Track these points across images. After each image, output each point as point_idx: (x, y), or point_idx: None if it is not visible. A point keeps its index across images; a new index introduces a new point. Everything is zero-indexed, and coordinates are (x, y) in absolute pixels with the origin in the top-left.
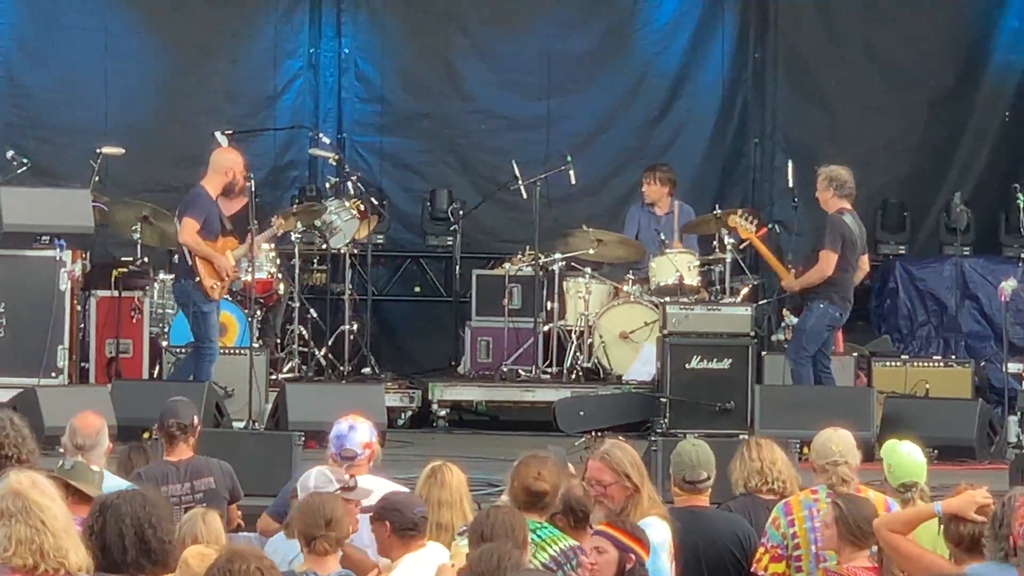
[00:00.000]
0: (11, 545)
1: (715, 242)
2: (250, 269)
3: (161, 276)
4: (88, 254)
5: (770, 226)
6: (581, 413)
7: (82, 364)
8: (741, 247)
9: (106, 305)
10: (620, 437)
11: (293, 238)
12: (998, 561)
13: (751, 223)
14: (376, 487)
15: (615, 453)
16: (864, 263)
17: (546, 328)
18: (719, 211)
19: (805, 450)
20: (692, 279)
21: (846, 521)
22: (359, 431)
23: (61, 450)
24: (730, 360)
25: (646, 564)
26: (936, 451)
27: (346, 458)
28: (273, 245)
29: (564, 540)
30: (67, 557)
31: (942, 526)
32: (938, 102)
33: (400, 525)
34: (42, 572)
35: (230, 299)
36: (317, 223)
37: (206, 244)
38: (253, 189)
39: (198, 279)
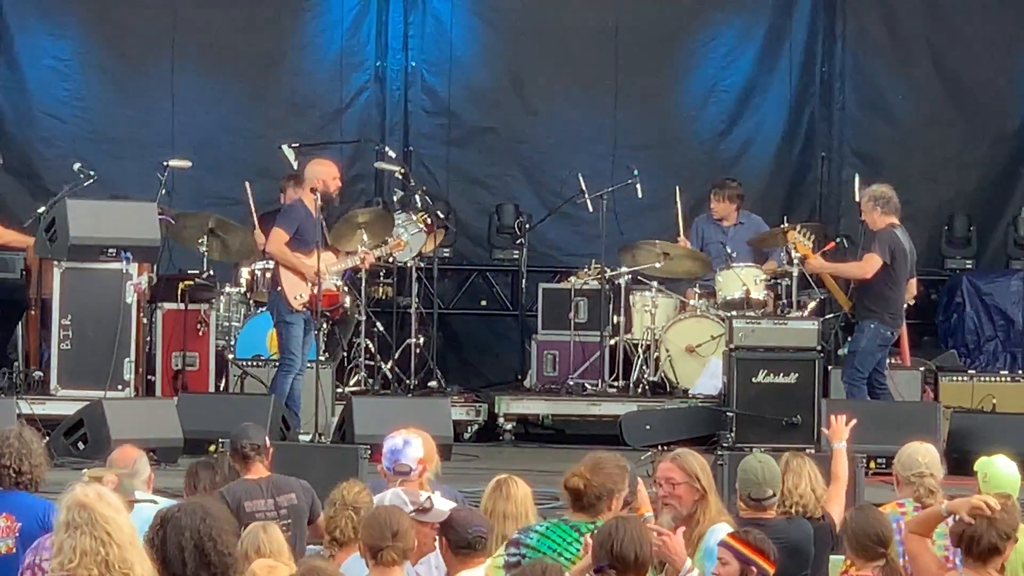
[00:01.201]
0: (76, 557)
1: (784, 257)
2: (317, 283)
3: (227, 289)
4: (155, 267)
5: (837, 240)
6: (647, 427)
7: (148, 377)
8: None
9: (172, 318)
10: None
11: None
12: None
13: (809, 240)
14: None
15: (686, 456)
16: (912, 287)
17: (612, 342)
18: (786, 225)
19: (872, 464)
20: (759, 293)
21: (851, 532)
22: (413, 446)
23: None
24: (796, 374)
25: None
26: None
27: (399, 473)
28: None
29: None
30: (132, 569)
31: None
32: (1005, 116)
33: (456, 542)
34: None
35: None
36: (385, 238)
37: (296, 255)
38: (319, 203)
39: (280, 288)
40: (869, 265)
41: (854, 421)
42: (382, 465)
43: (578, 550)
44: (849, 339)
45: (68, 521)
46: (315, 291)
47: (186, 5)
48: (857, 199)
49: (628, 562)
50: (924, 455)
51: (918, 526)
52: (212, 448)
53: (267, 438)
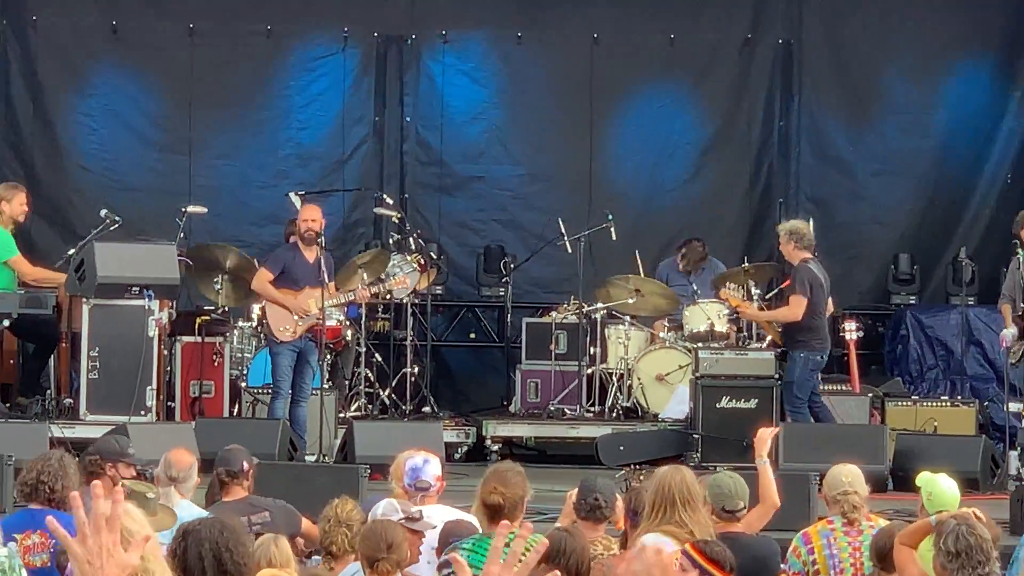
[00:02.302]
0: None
1: (742, 293)
2: (320, 318)
3: (240, 323)
4: (174, 303)
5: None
6: (621, 448)
7: (168, 403)
8: (767, 298)
9: (190, 350)
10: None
11: (372, 294)
12: None
13: (738, 292)
14: (445, 516)
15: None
16: (830, 305)
17: (589, 371)
18: (747, 265)
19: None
20: (722, 326)
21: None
22: (432, 464)
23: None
24: (756, 400)
25: None
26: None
27: (420, 489)
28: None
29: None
30: None
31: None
32: (947, 166)
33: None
34: None
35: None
36: (382, 276)
37: (285, 292)
38: (323, 244)
39: (266, 322)
40: (797, 308)
41: (776, 429)
42: (404, 482)
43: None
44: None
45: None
46: (299, 325)
47: (203, 66)
48: (812, 241)
49: (573, 571)
50: (847, 475)
51: (907, 538)
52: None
53: (246, 462)
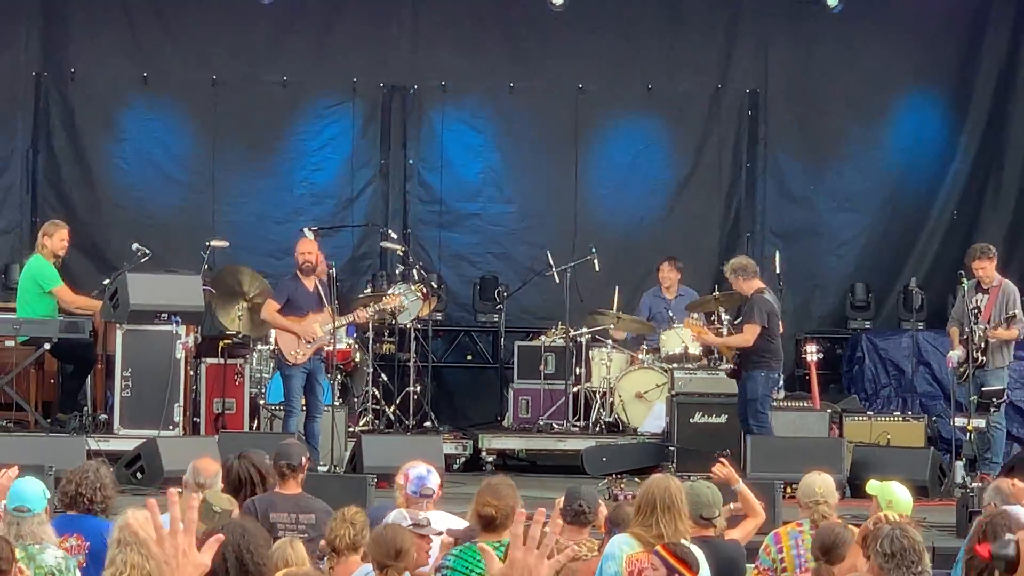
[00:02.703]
0: (125, 568)
1: (714, 318)
2: (331, 342)
3: (259, 347)
4: (199, 328)
5: None
6: (604, 459)
7: (194, 419)
8: (736, 323)
9: (214, 370)
10: (636, 479)
11: (369, 317)
12: None
13: (699, 321)
14: (445, 521)
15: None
16: (780, 327)
17: (575, 389)
18: (717, 294)
19: (788, 489)
20: (695, 349)
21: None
22: (434, 475)
23: (180, 487)
24: (726, 415)
25: None
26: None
27: (424, 496)
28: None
29: None
30: None
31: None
32: (898, 203)
33: None
34: None
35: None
36: (389, 306)
37: (290, 318)
38: (335, 275)
39: (277, 347)
40: (750, 335)
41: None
42: (407, 490)
43: (483, 568)
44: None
45: (119, 539)
46: (306, 349)
47: (225, 113)
48: (777, 271)
49: None
50: (820, 485)
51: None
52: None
53: (304, 457)
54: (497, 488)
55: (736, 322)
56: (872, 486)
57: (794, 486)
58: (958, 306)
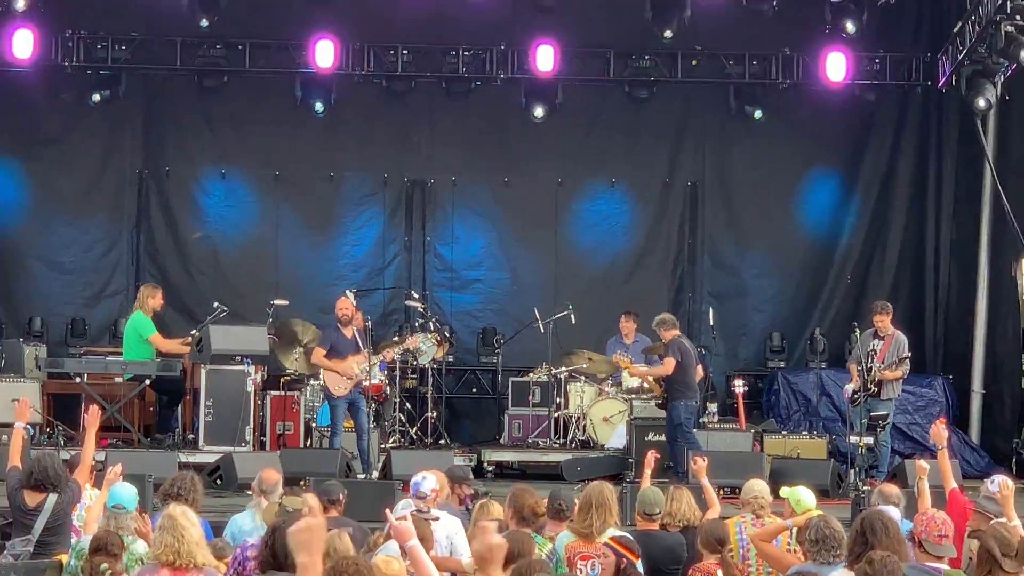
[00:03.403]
0: (160, 548)
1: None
2: (368, 378)
3: (311, 382)
4: (265, 368)
5: (699, 350)
6: (578, 468)
7: (261, 438)
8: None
9: (276, 400)
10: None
11: (395, 356)
12: (828, 563)
13: (627, 358)
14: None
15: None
16: (699, 371)
17: (556, 415)
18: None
19: (721, 491)
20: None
21: (703, 534)
22: (428, 480)
23: (249, 491)
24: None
25: (636, 564)
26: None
27: (419, 497)
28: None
29: (546, 547)
30: (195, 558)
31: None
32: (805, 269)
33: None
34: (178, 565)
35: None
36: (411, 348)
37: (334, 361)
38: (370, 327)
39: (323, 383)
40: (668, 367)
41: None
42: (410, 492)
43: None
44: (715, 408)
45: (161, 526)
46: (348, 384)
47: (285, 199)
48: (711, 324)
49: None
50: (757, 487)
51: (765, 535)
52: (302, 483)
53: (342, 494)
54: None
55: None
56: (784, 491)
57: (726, 489)
58: (856, 349)
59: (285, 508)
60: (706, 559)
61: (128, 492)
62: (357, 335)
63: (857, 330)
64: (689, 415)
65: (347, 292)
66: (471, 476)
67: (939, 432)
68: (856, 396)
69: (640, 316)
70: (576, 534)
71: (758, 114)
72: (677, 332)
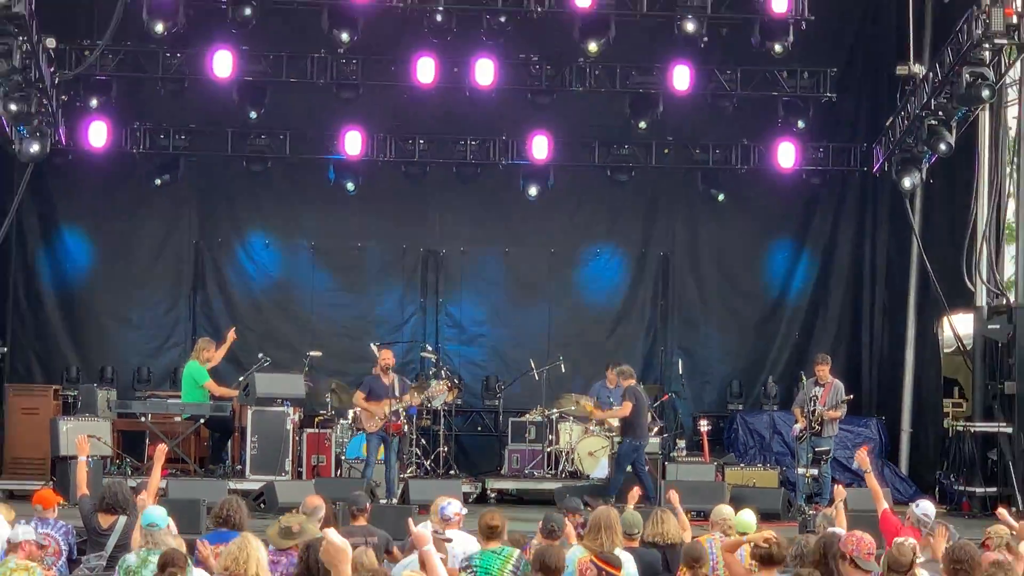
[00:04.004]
0: (230, 562)
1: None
2: (393, 418)
3: (341, 421)
4: (302, 410)
5: (670, 394)
6: (568, 495)
7: (298, 468)
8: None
9: (312, 437)
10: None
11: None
12: None
13: (592, 402)
14: (459, 536)
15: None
16: (650, 415)
17: (549, 449)
18: (641, 386)
19: (689, 515)
20: None
21: (683, 553)
22: (452, 505)
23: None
24: (647, 466)
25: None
26: (761, 515)
27: (445, 519)
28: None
29: (513, 555)
30: (249, 569)
31: (750, 549)
32: (760, 327)
33: None
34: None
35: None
36: (426, 392)
37: (371, 403)
38: (392, 373)
39: (360, 422)
40: (625, 410)
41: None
42: (438, 515)
43: (500, 564)
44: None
45: (231, 549)
46: (380, 422)
47: (319, 267)
48: (680, 373)
49: (550, 569)
50: (725, 511)
51: (729, 547)
52: (334, 504)
53: (368, 503)
54: (492, 515)
55: (655, 405)
56: (732, 515)
57: (695, 513)
58: (801, 395)
59: (285, 527)
60: (683, 573)
61: (159, 513)
62: (396, 382)
63: (804, 377)
64: (632, 451)
65: (372, 345)
66: (581, 507)
67: (863, 457)
68: (802, 434)
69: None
70: (588, 550)
71: (721, 197)
72: (633, 381)
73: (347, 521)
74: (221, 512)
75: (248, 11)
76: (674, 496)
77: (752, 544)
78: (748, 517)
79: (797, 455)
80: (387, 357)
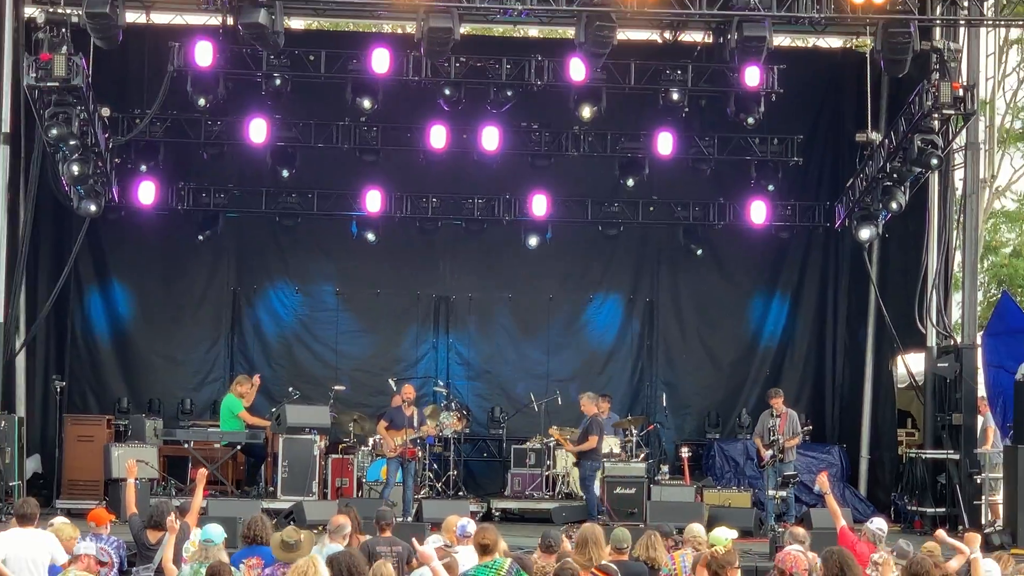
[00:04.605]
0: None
1: (630, 435)
2: (410, 445)
3: (363, 448)
4: (327, 437)
5: (655, 424)
6: (564, 514)
7: (324, 490)
8: (626, 437)
9: (336, 462)
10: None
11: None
12: None
13: (565, 434)
14: (467, 552)
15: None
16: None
17: (547, 472)
18: (630, 417)
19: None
20: (617, 449)
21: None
22: (471, 525)
23: (316, 530)
24: (635, 488)
25: None
26: (737, 532)
27: (463, 536)
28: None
29: (504, 565)
30: None
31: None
32: (734, 364)
33: None
34: None
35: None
36: (437, 422)
37: (391, 431)
38: (413, 406)
39: (381, 448)
40: (592, 443)
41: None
42: (455, 532)
43: (492, 575)
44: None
45: (300, 564)
46: (399, 448)
47: (345, 312)
48: (664, 405)
49: None
50: (696, 529)
51: (702, 562)
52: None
53: (393, 518)
54: (487, 530)
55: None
56: (696, 528)
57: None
58: (760, 425)
59: (286, 541)
60: None
61: (216, 531)
62: (416, 414)
63: (770, 412)
64: (593, 471)
65: (390, 380)
66: (674, 532)
67: (823, 480)
68: (771, 461)
69: (611, 399)
70: (577, 564)
71: (699, 252)
72: (596, 408)
73: (374, 533)
74: (249, 531)
75: (278, 82)
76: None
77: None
78: (718, 533)
79: (766, 480)
80: (409, 392)
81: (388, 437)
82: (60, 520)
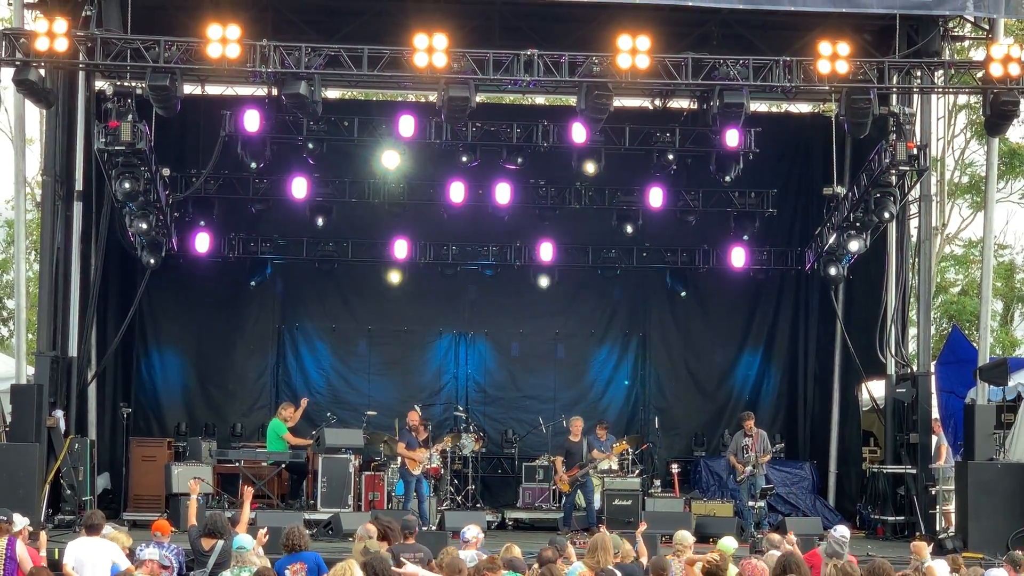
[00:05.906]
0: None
1: (627, 454)
2: (430, 463)
3: (392, 465)
4: (361, 457)
5: (648, 444)
6: (568, 523)
7: (358, 503)
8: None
9: (369, 478)
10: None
11: (447, 449)
12: None
13: (562, 465)
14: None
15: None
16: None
17: (554, 486)
18: (626, 437)
19: (663, 538)
20: (615, 466)
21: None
22: (471, 530)
23: (358, 539)
24: (630, 500)
25: None
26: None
27: (465, 542)
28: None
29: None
30: None
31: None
32: (718, 391)
33: None
34: None
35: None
36: (457, 443)
37: (408, 451)
38: (430, 429)
39: (403, 467)
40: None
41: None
42: (460, 538)
43: None
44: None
45: (338, 567)
46: (419, 467)
47: (374, 348)
48: (656, 427)
49: None
50: (682, 536)
51: (691, 562)
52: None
53: (417, 527)
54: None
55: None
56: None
57: (665, 536)
58: (733, 444)
59: (368, 549)
60: None
61: (247, 540)
62: (428, 436)
63: (742, 431)
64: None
65: (416, 407)
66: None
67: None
68: (749, 478)
69: (609, 423)
70: (587, 566)
71: (683, 293)
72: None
73: (400, 540)
74: (288, 541)
75: (316, 145)
76: (640, 528)
77: (705, 561)
78: (726, 542)
79: (743, 493)
80: (413, 417)
81: (408, 456)
82: (112, 529)
